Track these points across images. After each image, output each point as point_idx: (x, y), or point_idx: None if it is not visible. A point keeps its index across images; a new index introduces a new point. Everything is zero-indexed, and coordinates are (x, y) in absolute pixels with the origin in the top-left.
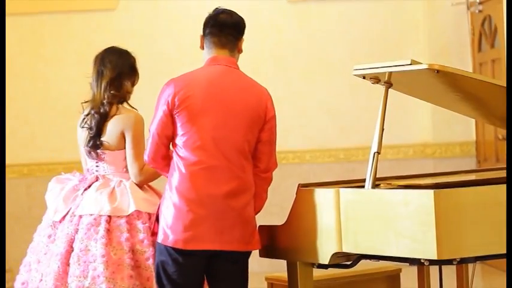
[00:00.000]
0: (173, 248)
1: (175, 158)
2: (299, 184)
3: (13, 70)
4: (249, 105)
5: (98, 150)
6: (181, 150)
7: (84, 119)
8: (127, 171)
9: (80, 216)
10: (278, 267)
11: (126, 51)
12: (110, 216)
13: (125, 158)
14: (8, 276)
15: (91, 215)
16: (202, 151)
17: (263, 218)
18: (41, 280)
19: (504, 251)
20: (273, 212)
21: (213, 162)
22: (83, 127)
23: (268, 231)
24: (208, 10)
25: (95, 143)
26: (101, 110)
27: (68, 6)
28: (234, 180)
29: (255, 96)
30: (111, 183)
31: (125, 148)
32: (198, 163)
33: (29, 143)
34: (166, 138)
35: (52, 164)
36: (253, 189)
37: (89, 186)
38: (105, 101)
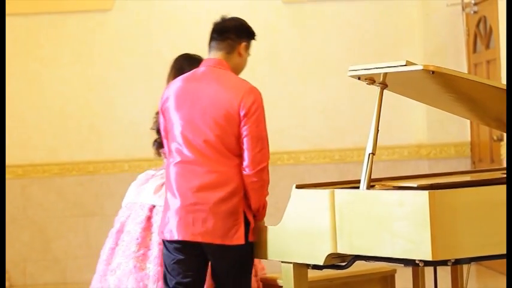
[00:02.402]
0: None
1: None
2: (294, 185)
3: (8, 70)
4: (219, 102)
5: (160, 150)
6: (167, 148)
7: (154, 121)
8: None
9: (135, 204)
10: (273, 268)
11: (195, 56)
12: (154, 206)
13: None
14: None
15: (141, 203)
16: (176, 147)
17: None
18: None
19: (499, 252)
20: (268, 212)
21: (185, 157)
22: (152, 129)
23: (263, 231)
24: (204, 10)
25: (159, 143)
26: None
27: (64, 7)
28: (209, 174)
29: (230, 92)
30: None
31: None
32: (174, 159)
33: (24, 144)
34: None
35: (47, 165)
36: (237, 184)
37: None
38: None
